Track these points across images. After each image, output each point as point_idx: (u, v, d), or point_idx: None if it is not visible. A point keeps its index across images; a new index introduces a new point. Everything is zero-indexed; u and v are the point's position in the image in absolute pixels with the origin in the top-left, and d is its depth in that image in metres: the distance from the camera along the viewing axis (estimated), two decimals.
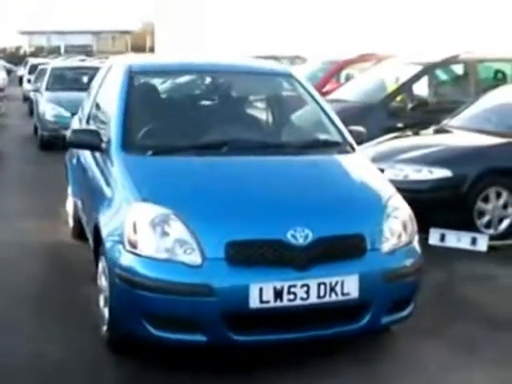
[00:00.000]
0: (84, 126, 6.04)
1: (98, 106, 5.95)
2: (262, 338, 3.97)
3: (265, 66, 5.82)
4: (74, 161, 6.09)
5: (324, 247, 3.96)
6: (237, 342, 3.89)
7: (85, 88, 14.64)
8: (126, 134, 4.71)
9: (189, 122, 5.09)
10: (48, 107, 13.57)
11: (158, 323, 3.89)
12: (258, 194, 4.22)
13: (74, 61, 27.89)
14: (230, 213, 4.04)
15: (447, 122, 8.48)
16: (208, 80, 5.67)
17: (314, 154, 4.82)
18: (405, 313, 4.30)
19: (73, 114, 13.44)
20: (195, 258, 3.86)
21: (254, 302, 3.81)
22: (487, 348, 4.53)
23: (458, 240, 6.92)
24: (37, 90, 15.29)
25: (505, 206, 7.11)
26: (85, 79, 15.08)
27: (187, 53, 15.15)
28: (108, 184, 4.56)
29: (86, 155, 5.43)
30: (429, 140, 8.11)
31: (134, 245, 3.96)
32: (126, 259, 3.98)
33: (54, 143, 13.39)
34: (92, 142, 4.84)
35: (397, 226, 4.28)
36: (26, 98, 23.79)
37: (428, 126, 8.48)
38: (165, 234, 3.93)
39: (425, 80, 10.40)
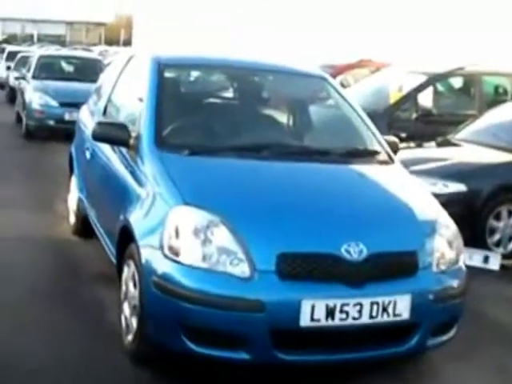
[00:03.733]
0: (100, 119, 5.71)
1: (117, 99, 5.62)
2: (309, 358, 3.71)
3: (300, 67, 5.55)
4: (86, 154, 5.71)
5: (377, 264, 3.71)
6: (282, 361, 3.62)
7: (72, 78, 14.52)
8: (159, 130, 4.41)
9: (224, 121, 4.82)
10: (35, 96, 13.14)
11: (197, 337, 3.61)
12: (308, 203, 3.95)
13: (50, 50, 27.29)
14: (281, 223, 3.77)
15: (453, 135, 8.31)
16: (242, 78, 5.38)
17: (357, 162, 4.58)
18: (448, 336, 4.09)
19: (60, 104, 13.29)
20: (243, 270, 3.58)
21: (304, 320, 3.55)
22: None
23: (469, 257, 6.72)
24: (22, 78, 14.80)
25: None
26: (72, 69, 14.71)
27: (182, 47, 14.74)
28: (140, 183, 4.25)
29: (105, 150, 5.09)
30: (441, 153, 7.92)
31: (175, 251, 3.67)
32: (165, 266, 3.68)
33: (39, 132, 13.06)
34: (120, 136, 4.52)
35: (446, 244, 4.06)
36: (2, 86, 23.26)
37: (432, 137, 8.30)
38: (210, 241, 3.64)
39: (429, 90, 10.25)
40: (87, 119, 6.25)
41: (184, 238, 3.67)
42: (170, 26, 36.15)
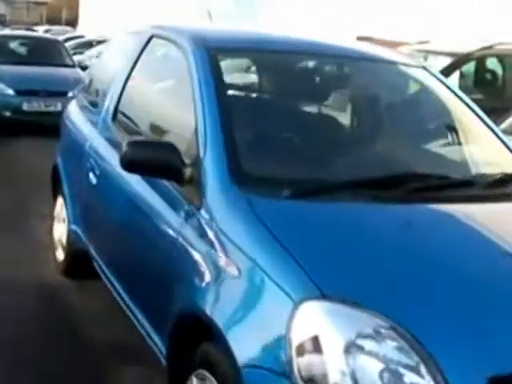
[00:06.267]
0: (109, 124, 4.01)
1: (136, 101, 3.90)
2: None
3: (389, 53, 3.96)
4: (90, 177, 3.98)
5: None
6: None
7: (29, 62, 12.57)
8: (235, 156, 2.78)
9: (322, 137, 3.18)
10: None
11: None
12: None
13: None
14: (487, 328, 2.21)
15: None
16: (328, 70, 3.74)
17: None
18: None
19: (17, 92, 11.41)
20: None
21: None
22: None
23: None
24: None
25: None
26: (29, 51, 12.83)
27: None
28: (211, 244, 2.62)
29: (129, 177, 3.42)
30: None
31: (314, 380, 2.10)
32: None
33: None
34: (170, 165, 2.86)
35: None
36: None
37: None
38: (379, 363, 2.08)
39: (455, 75, 8.83)
40: (84, 124, 4.53)
41: (331, 358, 2.08)
42: (120, 4, 34.08)
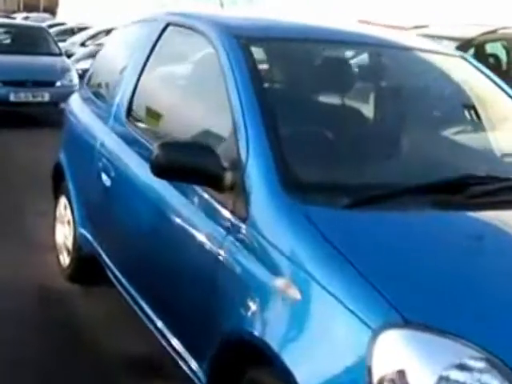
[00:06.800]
0: (123, 121, 3.68)
1: (155, 95, 3.58)
2: None
3: (430, 44, 3.68)
4: (103, 178, 3.65)
5: None
6: None
7: (14, 51, 12.07)
8: (284, 159, 2.47)
9: (373, 134, 2.90)
10: None
11: None
12: None
13: None
14: None
15: None
16: (368, 60, 3.42)
17: None
18: None
19: (3, 83, 10.87)
20: None
21: None
22: None
23: None
24: None
25: None
26: (13, 40, 12.38)
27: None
28: (262, 260, 2.31)
29: (151, 181, 3.09)
30: None
31: None
32: None
33: None
34: (208, 169, 2.55)
35: None
36: None
37: None
38: None
39: None
40: (92, 120, 4.20)
41: None
42: None
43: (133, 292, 3.38)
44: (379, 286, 1.99)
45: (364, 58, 3.35)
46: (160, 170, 2.60)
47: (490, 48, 9.21)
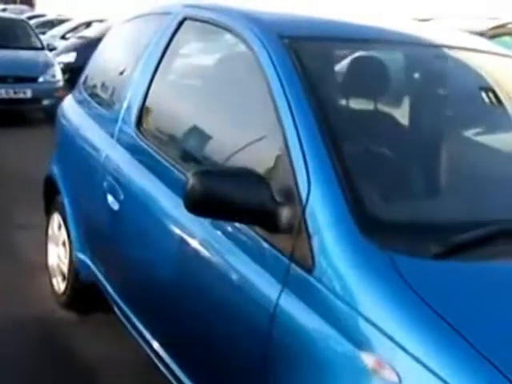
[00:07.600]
0: (133, 133, 3.11)
1: (174, 102, 3.01)
2: None
3: (481, 41, 3.18)
4: (108, 200, 3.07)
5: None
6: None
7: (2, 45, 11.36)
8: (356, 194, 1.94)
9: (453, 158, 2.35)
10: None
11: None
12: None
13: None
14: None
15: None
16: (423, 63, 2.84)
17: None
18: None
19: None
20: None
21: None
22: None
23: None
24: None
25: None
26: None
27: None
28: (340, 331, 1.77)
29: (171, 210, 2.54)
30: None
31: None
32: None
33: None
34: (260, 204, 2.01)
35: None
36: None
37: None
38: None
39: None
40: (92, 129, 3.63)
41: None
42: None
43: (148, 337, 2.83)
44: (497, 363, 1.48)
45: (429, 61, 2.80)
46: (196, 204, 2.06)
47: (499, 42, 8.75)
